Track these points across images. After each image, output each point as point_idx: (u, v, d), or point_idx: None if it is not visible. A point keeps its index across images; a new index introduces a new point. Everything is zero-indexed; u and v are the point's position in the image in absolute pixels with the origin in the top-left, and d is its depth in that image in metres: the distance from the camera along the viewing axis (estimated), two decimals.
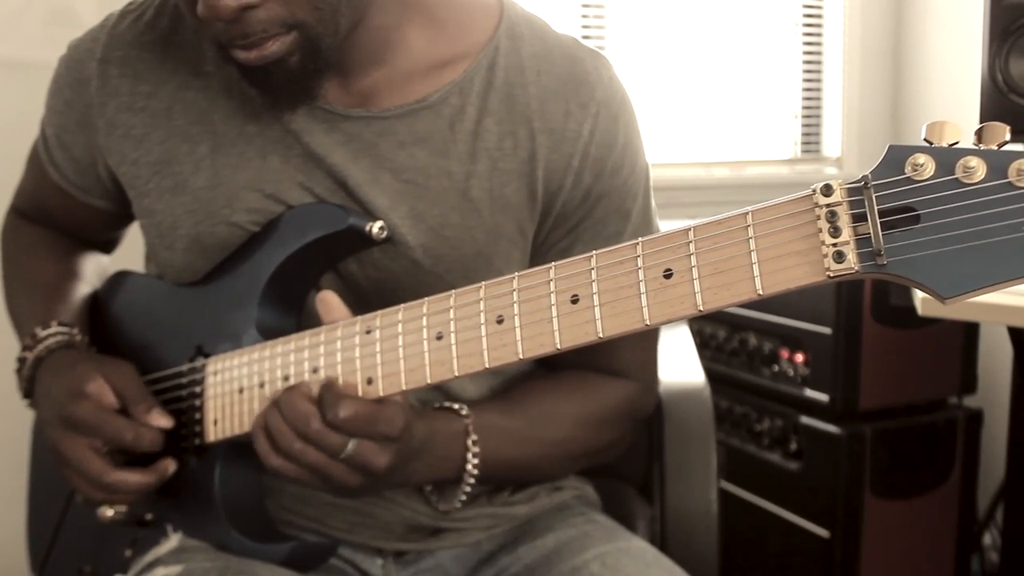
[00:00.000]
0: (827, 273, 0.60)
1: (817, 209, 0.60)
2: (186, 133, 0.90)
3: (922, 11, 2.58)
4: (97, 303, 1.04)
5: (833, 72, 2.65)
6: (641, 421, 1.03)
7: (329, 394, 0.76)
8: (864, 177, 0.59)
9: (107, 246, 1.14)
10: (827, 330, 1.82)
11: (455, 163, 0.87)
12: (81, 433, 0.86)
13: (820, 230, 0.60)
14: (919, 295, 1.38)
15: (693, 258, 0.64)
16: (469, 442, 0.87)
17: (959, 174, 0.56)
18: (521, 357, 0.71)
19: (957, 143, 0.57)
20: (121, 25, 0.94)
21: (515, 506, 0.99)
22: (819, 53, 2.67)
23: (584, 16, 2.40)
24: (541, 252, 0.92)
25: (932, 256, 0.57)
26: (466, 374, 0.74)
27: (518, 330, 0.71)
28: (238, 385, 0.86)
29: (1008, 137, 0.56)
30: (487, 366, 0.72)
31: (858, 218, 0.59)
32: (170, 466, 0.88)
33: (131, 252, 1.11)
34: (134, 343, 0.98)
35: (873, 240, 0.58)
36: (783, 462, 1.94)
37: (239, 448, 0.88)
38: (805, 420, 1.88)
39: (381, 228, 0.85)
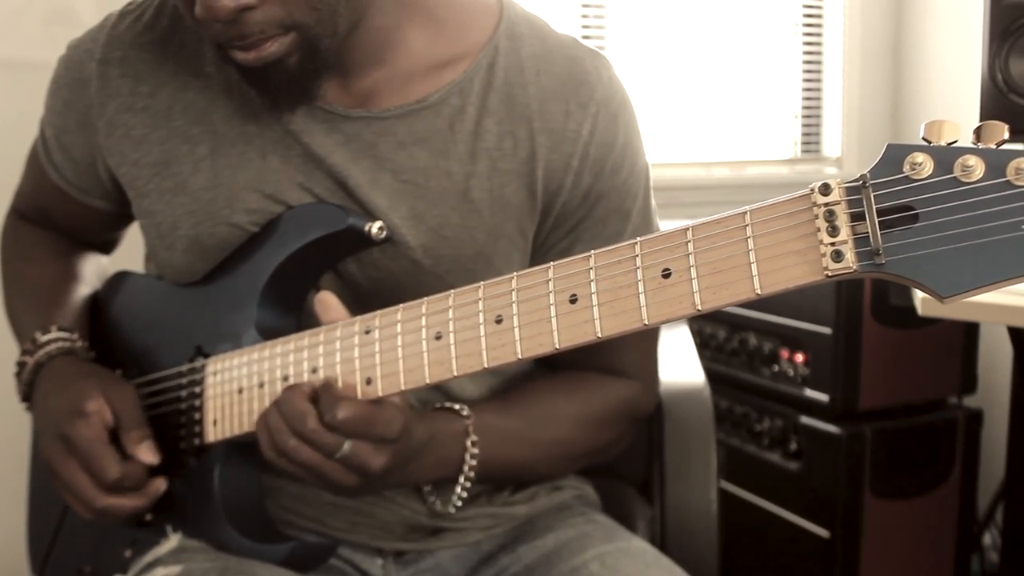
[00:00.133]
0: (825, 272, 0.60)
1: (815, 208, 0.60)
2: (186, 134, 0.90)
3: (922, 11, 2.58)
4: (97, 303, 1.04)
5: (833, 72, 2.65)
6: (641, 421, 1.03)
7: (327, 395, 0.77)
8: (862, 176, 0.58)
9: (106, 247, 1.14)
10: (827, 330, 1.82)
11: (455, 163, 0.87)
12: (75, 455, 0.86)
13: (818, 229, 0.60)
14: (919, 295, 1.38)
15: (691, 258, 0.64)
16: (468, 443, 0.87)
17: (957, 173, 0.56)
18: (520, 357, 0.71)
19: (956, 142, 0.57)
20: (120, 25, 0.94)
21: (515, 506, 0.99)
22: (819, 53, 2.67)
23: (584, 16, 2.40)
24: (541, 252, 0.92)
25: (930, 255, 0.57)
26: (465, 374, 0.74)
27: (517, 330, 0.71)
28: (238, 385, 0.86)
29: (1006, 136, 0.56)
30: (486, 366, 0.72)
31: (856, 217, 0.59)
32: (161, 486, 0.88)
33: (131, 252, 1.11)
34: (134, 343, 0.98)
35: (871, 239, 0.58)
36: (783, 462, 1.94)
37: (239, 448, 0.88)
38: (805, 420, 1.88)
39: (381, 228, 0.85)
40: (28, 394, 0.94)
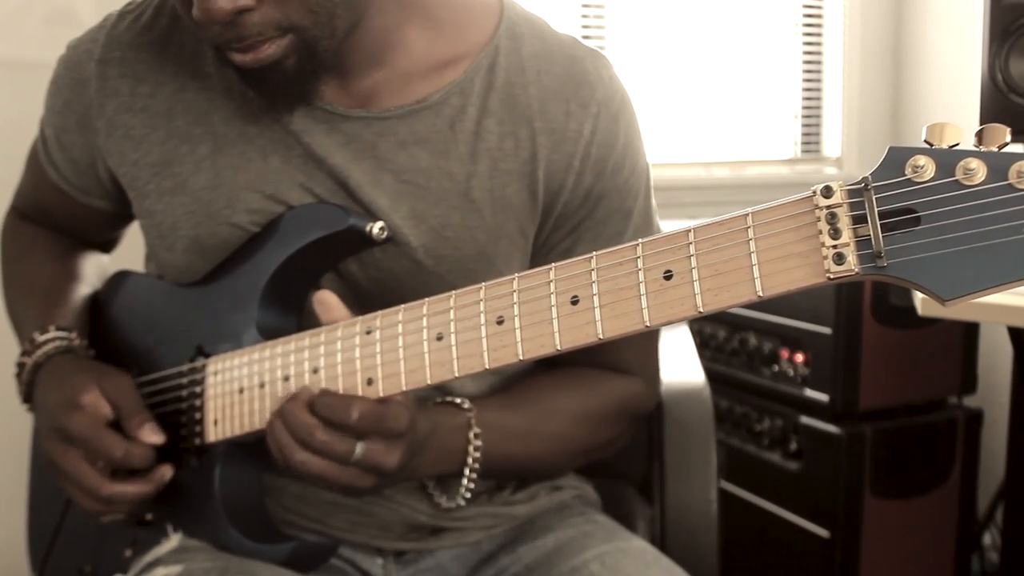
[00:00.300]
0: (827, 275, 0.60)
1: (817, 211, 0.60)
2: (186, 134, 0.90)
3: (922, 11, 2.58)
4: (97, 303, 1.04)
5: (833, 72, 2.65)
6: (642, 418, 1.03)
7: (333, 399, 0.76)
8: (864, 179, 0.59)
9: (106, 246, 1.14)
10: (827, 330, 1.82)
11: (456, 164, 0.87)
12: (75, 446, 0.86)
13: (820, 232, 0.60)
14: (919, 295, 1.38)
15: (693, 259, 0.64)
16: (471, 435, 0.87)
17: (959, 176, 0.56)
18: (521, 358, 0.71)
19: (957, 145, 0.57)
20: (120, 26, 0.94)
21: (515, 506, 0.99)
22: (819, 53, 2.67)
23: (584, 16, 2.39)
24: (543, 252, 0.92)
25: (932, 258, 0.57)
26: (466, 375, 0.74)
27: (518, 331, 0.71)
28: (238, 385, 0.86)
29: (1008, 139, 0.56)
30: (487, 367, 0.73)
31: (858, 220, 0.59)
32: (167, 473, 0.88)
33: (131, 252, 1.11)
34: (134, 343, 0.98)
35: (873, 242, 0.58)
36: (783, 462, 1.95)
37: (239, 448, 0.88)
38: (805, 420, 1.88)
39: (381, 228, 0.85)
40: (29, 395, 0.94)
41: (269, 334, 0.87)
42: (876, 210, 0.58)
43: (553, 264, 0.70)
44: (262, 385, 0.84)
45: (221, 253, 0.90)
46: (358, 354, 0.79)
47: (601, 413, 0.97)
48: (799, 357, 1.90)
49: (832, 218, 0.59)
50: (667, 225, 0.94)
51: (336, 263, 0.89)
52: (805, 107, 2.67)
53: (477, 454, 0.87)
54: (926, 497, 1.90)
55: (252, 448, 0.86)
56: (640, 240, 0.67)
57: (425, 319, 0.76)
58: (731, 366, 2.08)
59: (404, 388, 0.77)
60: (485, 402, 0.91)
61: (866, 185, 0.58)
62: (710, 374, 1.17)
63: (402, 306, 0.78)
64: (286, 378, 0.83)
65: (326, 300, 0.82)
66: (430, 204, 0.87)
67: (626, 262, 0.67)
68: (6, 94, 1.73)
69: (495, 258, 0.89)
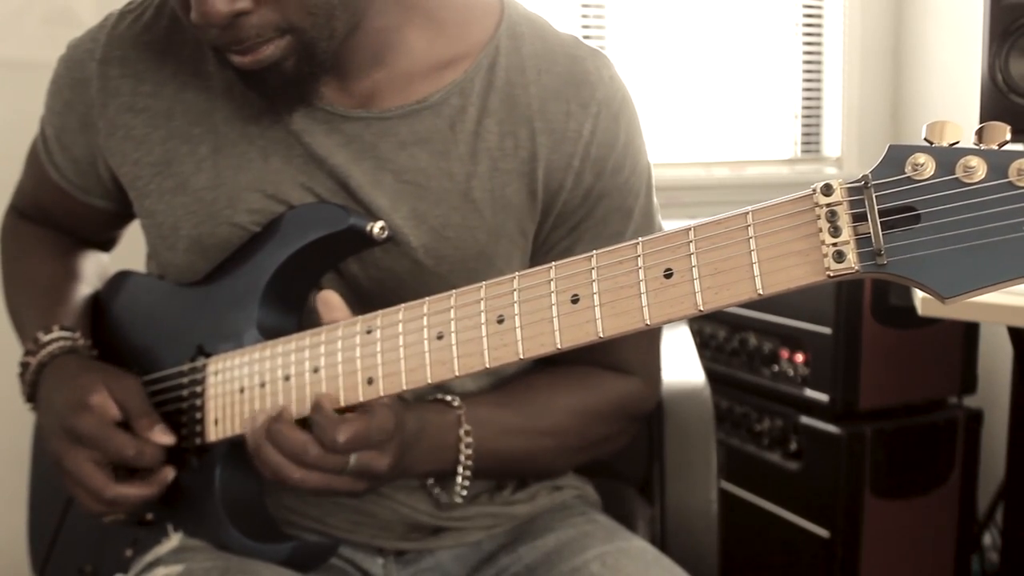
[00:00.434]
0: (827, 273, 0.60)
1: (817, 209, 0.60)
2: (187, 134, 0.90)
3: (922, 11, 2.58)
4: (98, 303, 1.04)
5: (833, 72, 2.66)
6: (641, 418, 1.03)
7: (322, 419, 0.77)
8: (864, 177, 0.59)
9: (107, 245, 1.14)
10: (827, 330, 1.82)
11: (456, 164, 0.87)
12: (83, 446, 0.86)
13: (820, 230, 0.60)
14: (919, 295, 1.38)
15: (693, 258, 0.64)
16: (462, 432, 0.87)
17: (959, 174, 0.56)
18: (521, 357, 0.71)
19: (957, 143, 0.57)
20: (121, 25, 0.94)
21: (515, 506, 0.99)
22: (819, 53, 2.67)
23: (584, 16, 2.40)
24: (543, 252, 0.92)
25: (932, 256, 0.57)
26: (467, 374, 0.74)
27: (519, 330, 0.71)
28: (239, 385, 0.86)
29: (1008, 137, 0.56)
30: (488, 366, 0.73)
31: (858, 218, 0.59)
32: (169, 474, 0.88)
33: (131, 252, 1.11)
34: (135, 343, 0.98)
35: (873, 240, 0.58)
36: (783, 462, 1.95)
37: (240, 448, 0.88)
38: (805, 420, 1.88)
39: (382, 228, 0.85)
40: (32, 394, 0.94)
41: (270, 334, 0.87)
42: (876, 208, 0.58)
43: (553, 263, 0.70)
44: (263, 385, 0.84)
45: (222, 253, 0.90)
46: (359, 353, 0.79)
47: (598, 410, 0.97)
48: (799, 357, 1.90)
49: (832, 216, 0.59)
50: (667, 225, 0.94)
51: (337, 263, 0.89)
52: (805, 107, 2.67)
53: (469, 451, 0.87)
54: (926, 497, 1.90)
55: None
56: (640, 239, 0.67)
57: (426, 318, 0.76)
58: (731, 366, 2.08)
59: (404, 387, 0.77)
60: (478, 399, 0.91)
61: (866, 183, 0.58)
62: (710, 374, 1.17)
63: (402, 305, 0.78)
64: (286, 378, 0.83)
65: (330, 300, 0.82)
66: (430, 204, 0.87)
67: (626, 261, 0.67)
68: (6, 94, 1.73)
69: (495, 258, 0.89)
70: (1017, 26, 1.50)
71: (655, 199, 0.95)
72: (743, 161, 2.60)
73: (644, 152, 0.93)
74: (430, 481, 0.92)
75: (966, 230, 0.56)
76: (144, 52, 0.92)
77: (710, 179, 2.54)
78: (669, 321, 0.66)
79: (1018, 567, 1.80)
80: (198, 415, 0.90)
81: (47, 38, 1.76)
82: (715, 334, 2.12)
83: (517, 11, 0.92)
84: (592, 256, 0.68)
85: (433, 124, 0.87)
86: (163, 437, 0.87)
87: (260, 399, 0.84)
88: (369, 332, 0.79)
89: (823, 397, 1.85)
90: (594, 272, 0.68)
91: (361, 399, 0.79)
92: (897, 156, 0.58)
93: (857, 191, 0.59)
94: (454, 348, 0.74)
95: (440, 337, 0.75)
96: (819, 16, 2.65)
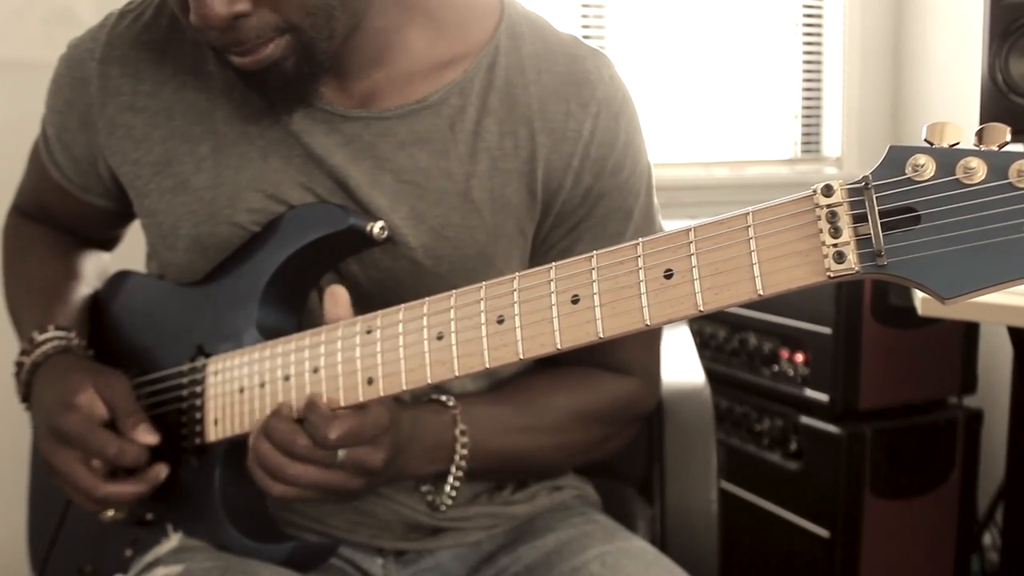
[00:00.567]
0: (827, 273, 0.60)
1: (818, 209, 0.60)
2: (187, 133, 0.90)
3: (922, 11, 2.58)
4: (98, 303, 1.04)
5: (833, 72, 2.66)
6: (641, 418, 1.03)
7: (315, 416, 0.77)
8: (865, 177, 0.59)
9: (108, 244, 1.14)
10: (827, 330, 1.82)
11: (455, 163, 0.87)
12: (70, 445, 0.86)
13: (821, 230, 0.60)
14: (919, 295, 1.38)
15: (694, 258, 0.64)
16: (457, 432, 0.87)
17: (960, 175, 0.56)
18: (521, 357, 0.71)
19: (958, 144, 0.57)
20: (120, 25, 0.94)
21: (515, 506, 0.99)
22: (819, 53, 2.67)
23: (584, 16, 2.40)
24: (542, 251, 0.92)
25: (933, 257, 0.57)
26: (467, 374, 0.74)
27: (519, 330, 0.71)
28: (239, 385, 0.86)
29: (1009, 138, 0.56)
30: (487, 366, 0.73)
31: (859, 218, 0.59)
32: (161, 472, 0.88)
33: (132, 252, 1.11)
34: (135, 343, 0.98)
35: (874, 240, 0.58)
36: (783, 462, 1.95)
37: (240, 448, 0.88)
38: (805, 420, 1.88)
39: (382, 228, 0.85)
40: (27, 395, 0.94)
41: (269, 334, 0.87)
42: (876, 209, 0.58)
43: (553, 263, 0.70)
44: (262, 385, 0.84)
45: (222, 252, 0.90)
46: (358, 353, 0.79)
47: (595, 409, 0.97)
48: (799, 357, 1.90)
49: (832, 217, 0.59)
50: (667, 225, 0.94)
51: (336, 263, 0.89)
52: (805, 107, 2.67)
53: (464, 451, 0.87)
54: (926, 497, 1.90)
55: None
56: (640, 239, 0.67)
57: (425, 318, 0.76)
58: (731, 366, 2.08)
59: (404, 387, 0.77)
60: (475, 399, 0.91)
61: (866, 184, 0.58)
62: (710, 374, 1.17)
63: (402, 305, 0.78)
64: (286, 378, 0.83)
65: (337, 294, 0.82)
66: (430, 204, 0.87)
67: (626, 261, 0.67)
68: (6, 94, 1.73)
69: (495, 258, 0.89)
70: (1017, 26, 1.50)
71: (655, 199, 0.95)
72: (743, 161, 2.60)
73: (644, 152, 0.93)
74: (424, 487, 0.92)
75: (966, 231, 0.56)
76: (144, 52, 0.92)
77: (710, 179, 2.54)
78: (669, 321, 0.66)
79: (1018, 567, 1.80)
80: (198, 415, 0.90)
81: (47, 38, 1.76)
82: (715, 334, 2.12)
83: (517, 11, 0.92)
84: (592, 256, 0.68)
85: (433, 124, 0.87)
86: (146, 436, 0.87)
87: (260, 399, 0.84)
88: (369, 332, 0.79)
89: (823, 397, 1.85)
90: (594, 272, 0.68)
91: (361, 399, 0.79)
92: (897, 157, 0.58)
93: (857, 192, 0.59)
94: (454, 348, 0.74)
95: (440, 337, 0.75)
96: (819, 16, 2.65)
